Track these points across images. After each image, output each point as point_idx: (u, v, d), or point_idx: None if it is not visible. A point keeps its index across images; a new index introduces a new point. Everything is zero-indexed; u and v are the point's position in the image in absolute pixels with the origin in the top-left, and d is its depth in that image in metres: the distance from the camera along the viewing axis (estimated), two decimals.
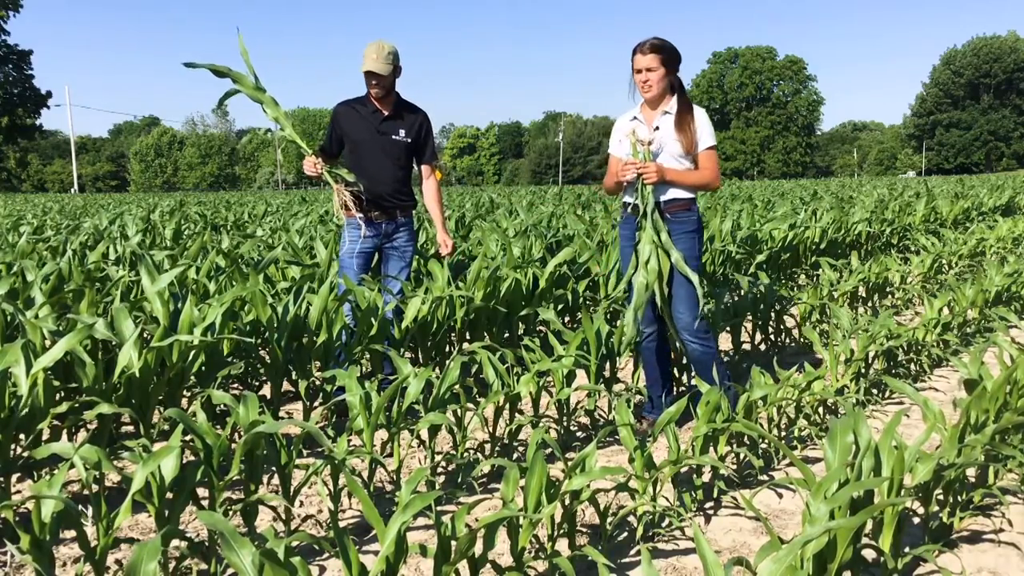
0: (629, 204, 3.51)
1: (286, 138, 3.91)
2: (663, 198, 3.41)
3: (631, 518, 2.62)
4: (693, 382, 3.59)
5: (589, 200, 15.81)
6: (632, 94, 3.50)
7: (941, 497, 2.51)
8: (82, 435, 3.07)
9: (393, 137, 3.98)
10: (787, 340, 4.94)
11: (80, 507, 2.11)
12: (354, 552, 1.81)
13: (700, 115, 3.42)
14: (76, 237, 7.07)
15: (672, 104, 3.42)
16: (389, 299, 3.89)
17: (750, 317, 4.69)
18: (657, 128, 3.41)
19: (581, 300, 5.10)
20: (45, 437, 2.92)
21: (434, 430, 2.91)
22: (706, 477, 2.84)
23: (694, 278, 3.35)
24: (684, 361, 3.93)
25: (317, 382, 3.68)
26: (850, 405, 2.57)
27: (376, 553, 1.92)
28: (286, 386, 3.72)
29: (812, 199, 13.86)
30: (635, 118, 3.51)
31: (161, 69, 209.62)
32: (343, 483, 2.58)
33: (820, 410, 3.48)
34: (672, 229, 3.40)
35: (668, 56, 3.36)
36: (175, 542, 2.38)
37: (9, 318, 3.48)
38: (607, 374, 3.73)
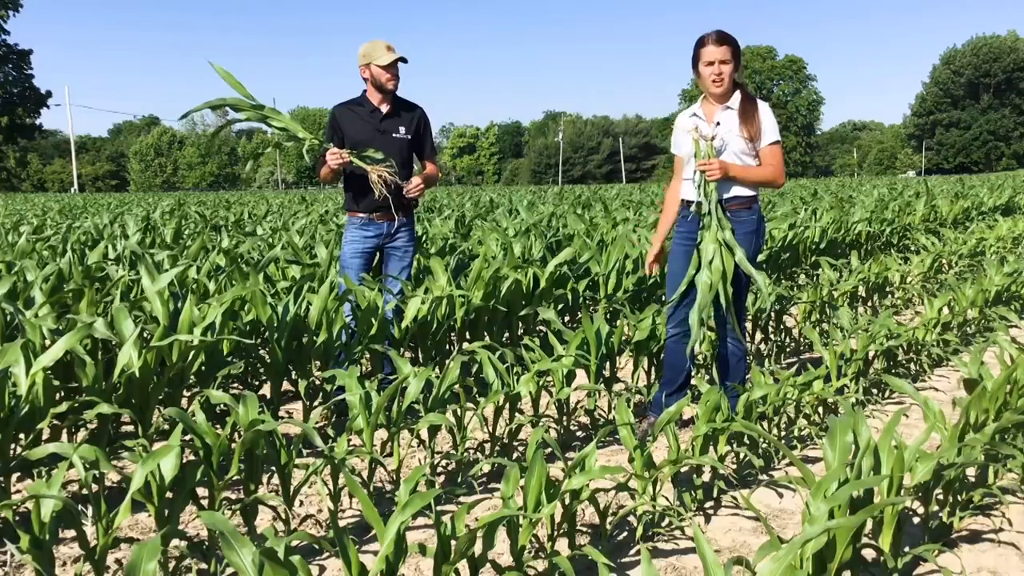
0: (687, 202, 3.43)
1: (305, 142, 3.84)
2: (724, 195, 3.32)
3: (631, 518, 2.62)
4: (693, 382, 3.59)
5: (589, 200, 15.81)
6: (708, 89, 3.38)
7: (941, 497, 2.51)
8: (82, 435, 3.07)
9: (394, 135, 3.97)
10: (787, 340, 4.94)
11: (80, 507, 2.11)
12: (354, 552, 1.81)
13: (764, 109, 3.34)
14: (73, 235, 7.07)
15: (735, 99, 3.34)
16: (389, 299, 3.90)
17: (750, 317, 4.69)
18: (718, 123, 3.33)
19: (581, 300, 5.11)
20: (45, 437, 2.92)
21: (434, 430, 2.91)
22: (706, 477, 2.84)
23: (758, 277, 3.27)
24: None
25: (317, 382, 3.69)
26: (850, 405, 2.57)
27: (376, 553, 1.92)
28: (286, 386, 3.72)
29: (812, 199, 13.86)
30: (695, 114, 3.43)
31: (161, 69, 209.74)
32: (343, 483, 2.58)
33: (820, 410, 3.48)
34: (732, 228, 3.30)
35: (736, 49, 3.30)
36: (175, 542, 2.38)
37: (9, 318, 3.48)
38: (607, 374, 3.73)
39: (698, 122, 3.39)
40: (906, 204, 11.60)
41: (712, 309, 3.36)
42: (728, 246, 3.26)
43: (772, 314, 4.76)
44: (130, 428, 3.48)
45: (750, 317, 4.68)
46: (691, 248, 3.39)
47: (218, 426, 3.23)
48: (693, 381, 3.59)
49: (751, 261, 3.33)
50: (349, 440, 2.85)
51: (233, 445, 2.46)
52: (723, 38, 3.27)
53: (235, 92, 3.73)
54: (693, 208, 3.37)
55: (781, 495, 2.89)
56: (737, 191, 3.33)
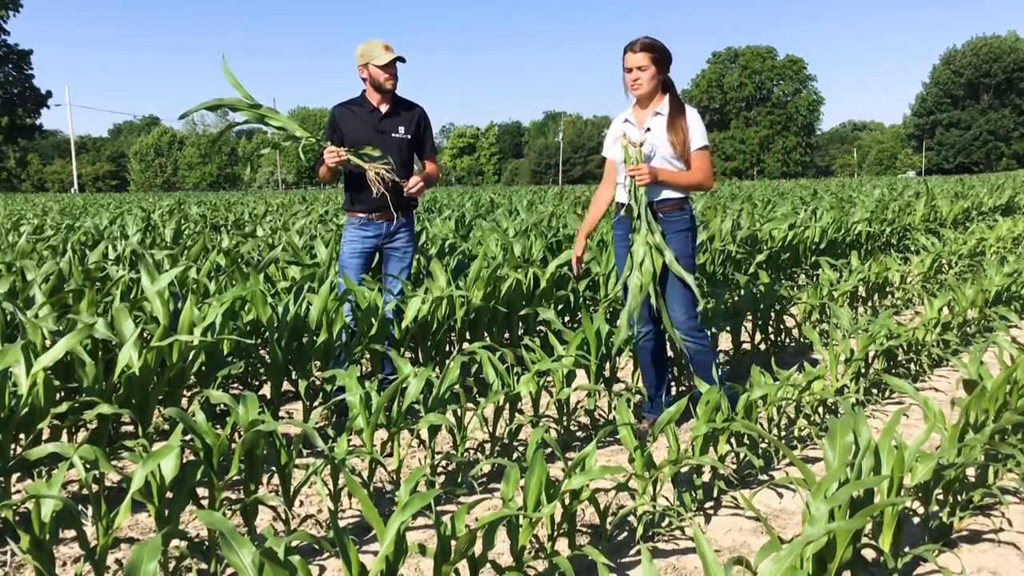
0: (621, 205, 3.51)
1: (302, 140, 3.85)
2: (655, 199, 3.41)
3: (631, 518, 2.62)
4: (693, 382, 3.59)
5: (590, 200, 15.80)
6: (627, 94, 3.50)
7: (941, 497, 2.51)
8: (82, 435, 3.07)
9: (393, 135, 3.97)
10: (787, 340, 4.94)
11: (80, 507, 2.11)
12: (354, 552, 1.81)
13: (692, 116, 3.41)
14: (75, 236, 7.07)
15: (664, 105, 3.42)
16: (389, 299, 3.89)
17: (750, 317, 4.69)
18: (648, 129, 3.40)
19: (581, 300, 5.11)
20: (45, 437, 2.92)
21: (434, 430, 2.91)
22: (706, 477, 2.84)
23: (688, 278, 3.35)
24: (684, 361, 3.94)
25: (317, 382, 3.69)
26: (849, 405, 2.57)
27: (376, 553, 1.92)
28: (286, 386, 3.72)
29: (812, 199, 13.86)
30: (627, 120, 3.51)
31: (161, 69, 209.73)
32: (343, 483, 2.58)
33: (820, 410, 3.48)
34: (665, 229, 3.40)
35: (658, 55, 3.36)
36: (175, 542, 2.38)
37: (9, 318, 3.48)
38: (607, 374, 3.73)
39: (628, 128, 3.46)
40: (906, 204, 11.60)
41: (664, 310, 3.42)
42: (658, 248, 3.35)
43: (772, 314, 4.77)
44: (130, 428, 3.48)
45: (749, 317, 4.68)
46: (627, 249, 3.48)
47: (218, 426, 3.23)
48: (693, 381, 3.59)
49: (689, 258, 3.44)
50: (349, 440, 2.85)
51: (233, 445, 2.46)
52: (642, 46, 3.35)
53: (235, 91, 3.73)
54: (623, 212, 3.46)
55: (781, 495, 2.89)
56: (668, 194, 3.42)
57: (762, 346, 4.82)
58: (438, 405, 2.92)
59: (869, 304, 5.97)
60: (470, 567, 1.98)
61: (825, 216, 8.87)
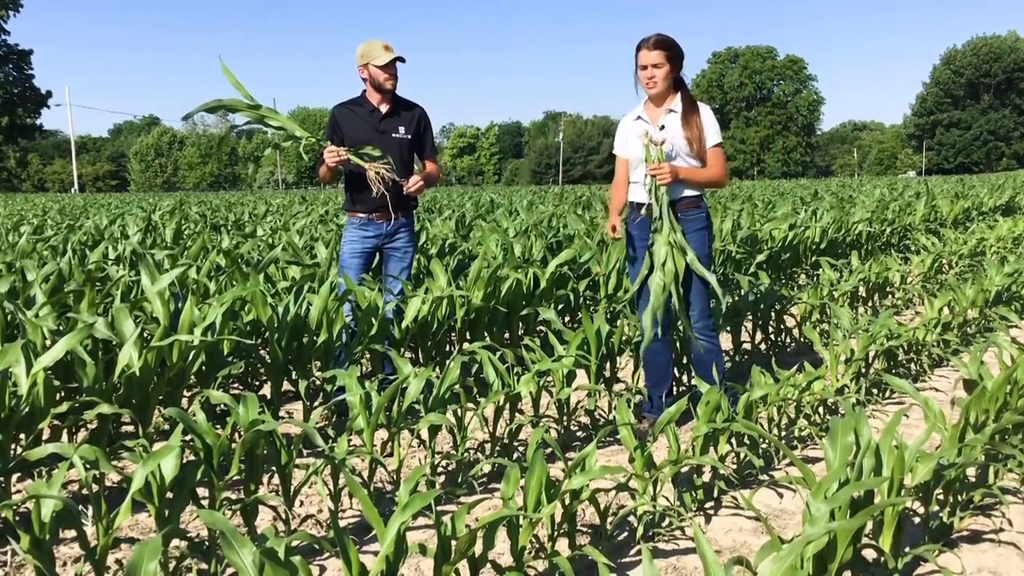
0: (638, 204, 3.49)
1: (303, 140, 3.84)
2: (674, 197, 3.39)
3: (631, 518, 2.62)
4: (693, 382, 3.59)
5: (590, 200, 15.80)
6: (638, 91, 3.48)
7: (941, 497, 2.51)
8: (82, 435, 3.07)
9: (394, 135, 3.97)
10: (787, 340, 4.94)
11: (80, 507, 2.11)
12: (354, 552, 1.81)
13: (705, 112, 3.41)
14: (75, 235, 7.07)
15: (677, 102, 3.41)
16: (389, 299, 3.90)
17: (750, 317, 4.69)
18: (663, 127, 3.39)
19: (582, 300, 5.11)
20: (45, 437, 2.92)
21: (434, 430, 2.91)
22: (706, 477, 2.84)
23: (710, 277, 3.34)
24: (684, 361, 3.94)
25: (317, 382, 3.69)
26: (850, 405, 2.57)
27: (376, 553, 1.92)
28: (286, 386, 3.72)
29: (812, 199, 13.85)
30: (639, 118, 3.49)
31: (161, 69, 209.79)
32: (343, 483, 2.58)
33: (820, 410, 3.48)
34: (683, 227, 3.38)
35: (672, 52, 3.35)
36: (175, 542, 2.39)
37: (9, 317, 3.48)
38: (607, 374, 3.73)
39: (646, 126, 3.44)
40: (906, 204, 11.60)
41: (684, 311, 3.41)
42: (680, 248, 3.33)
43: (772, 314, 4.76)
44: (130, 428, 3.48)
45: (749, 317, 4.68)
46: (646, 249, 3.46)
47: (218, 426, 3.23)
48: (693, 381, 3.59)
49: (705, 256, 3.43)
50: (349, 440, 2.85)
51: (233, 445, 2.46)
52: (656, 43, 3.33)
53: (235, 92, 3.73)
54: (644, 211, 3.43)
55: (781, 495, 2.89)
56: (685, 192, 3.42)
57: (762, 346, 4.82)
58: (438, 405, 2.92)
59: (869, 304, 5.97)
60: (470, 567, 1.98)
61: (825, 216, 8.86)
